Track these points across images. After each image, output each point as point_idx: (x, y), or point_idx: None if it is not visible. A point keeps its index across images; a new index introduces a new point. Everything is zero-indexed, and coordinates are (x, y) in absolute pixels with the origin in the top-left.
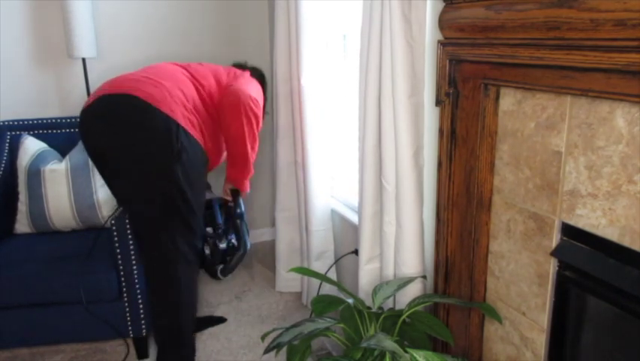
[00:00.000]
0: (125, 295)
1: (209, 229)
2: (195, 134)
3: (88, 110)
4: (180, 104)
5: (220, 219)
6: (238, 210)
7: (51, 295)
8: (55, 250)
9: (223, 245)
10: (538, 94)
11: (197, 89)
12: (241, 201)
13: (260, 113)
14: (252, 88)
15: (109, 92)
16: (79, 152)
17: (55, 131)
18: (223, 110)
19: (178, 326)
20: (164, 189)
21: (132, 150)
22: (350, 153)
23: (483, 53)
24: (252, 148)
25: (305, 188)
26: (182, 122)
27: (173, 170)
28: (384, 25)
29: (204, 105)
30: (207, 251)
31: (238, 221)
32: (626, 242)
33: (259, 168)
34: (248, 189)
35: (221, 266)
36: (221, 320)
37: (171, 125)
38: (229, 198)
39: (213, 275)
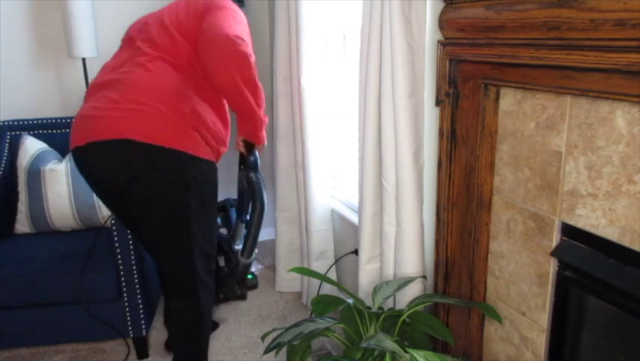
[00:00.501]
0: (124, 295)
1: (223, 230)
2: (200, 150)
3: (81, 152)
4: (173, 123)
5: (234, 222)
6: (252, 158)
7: (51, 295)
8: (55, 250)
9: (238, 246)
10: (538, 94)
11: (180, 73)
12: (256, 152)
13: (249, 50)
14: (227, 19)
15: (97, 137)
16: None
17: (55, 131)
18: (207, 68)
19: (199, 348)
20: (179, 218)
21: (141, 190)
22: (350, 153)
23: (483, 53)
24: (254, 94)
25: (305, 188)
26: (184, 148)
27: (187, 201)
28: (384, 25)
29: (193, 87)
30: (222, 263)
31: (252, 174)
32: (626, 242)
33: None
34: (264, 141)
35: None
36: (214, 326)
37: (173, 158)
38: (242, 150)
39: (231, 292)
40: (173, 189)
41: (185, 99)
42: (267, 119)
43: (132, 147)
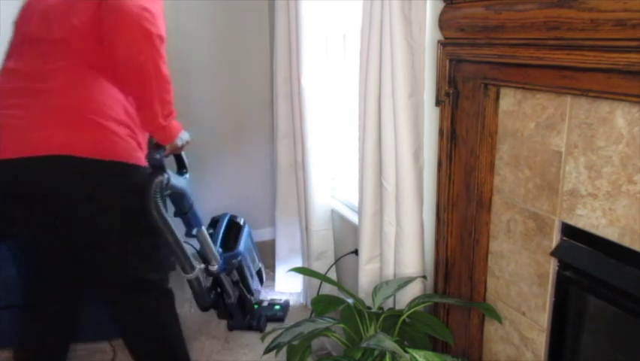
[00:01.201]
0: None
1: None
2: (140, 158)
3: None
4: (113, 134)
5: (217, 243)
6: (155, 156)
7: None
8: None
9: (213, 267)
10: (538, 94)
11: (102, 73)
12: (161, 150)
13: (155, 29)
14: None
15: (31, 153)
16: None
17: None
18: (104, 42)
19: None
20: (130, 227)
21: (87, 210)
22: (350, 153)
23: (483, 53)
24: (159, 85)
25: (305, 188)
26: (128, 158)
27: (135, 210)
28: (384, 25)
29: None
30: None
31: (151, 177)
32: (626, 242)
33: (259, 168)
34: (173, 137)
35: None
36: None
37: (121, 170)
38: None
39: (237, 320)
40: (122, 204)
41: (117, 104)
42: (172, 111)
43: (76, 164)
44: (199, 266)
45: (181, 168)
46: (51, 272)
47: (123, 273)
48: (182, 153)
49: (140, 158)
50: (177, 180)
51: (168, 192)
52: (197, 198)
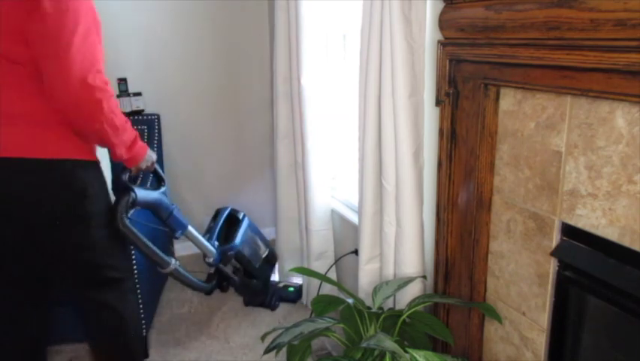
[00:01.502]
0: None
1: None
2: (86, 153)
3: None
4: (44, 121)
5: (214, 236)
6: (122, 176)
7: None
8: None
9: (209, 259)
10: (538, 94)
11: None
12: (128, 171)
13: (105, 93)
14: (73, 38)
15: None
16: None
17: None
18: (55, 104)
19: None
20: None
21: (36, 217)
22: (350, 153)
23: (483, 53)
24: (115, 135)
25: (305, 188)
26: (76, 152)
27: (86, 209)
28: (384, 25)
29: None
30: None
31: (120, 195)
32: (626, 242)
33: (259, 168)
34: (137, 161)
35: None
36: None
37: (64, 168)
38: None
39: (253, 297)
40: (73, 202)
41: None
42: (128, 131)
43: (16, 165)
44: (174, 261)
45: (159, 182)
46: (9, 273)
47: (83, 271)
48: (157, 167)
49: (85, 152)
50: (148, 195)
51: (137, 208)
52: (198, 198)
